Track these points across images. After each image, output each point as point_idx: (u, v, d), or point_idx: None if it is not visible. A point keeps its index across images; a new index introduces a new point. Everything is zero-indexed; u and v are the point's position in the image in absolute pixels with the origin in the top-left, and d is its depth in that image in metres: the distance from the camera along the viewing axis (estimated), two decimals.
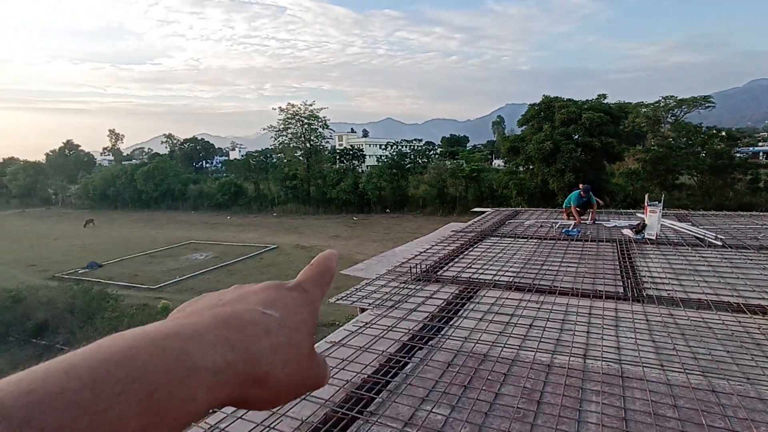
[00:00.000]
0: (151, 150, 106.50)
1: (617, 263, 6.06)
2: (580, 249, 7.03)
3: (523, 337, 3.70)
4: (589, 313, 4.21)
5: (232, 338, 0.32)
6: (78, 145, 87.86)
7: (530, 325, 3.95)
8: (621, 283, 5.14)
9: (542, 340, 3.63)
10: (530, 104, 33.91)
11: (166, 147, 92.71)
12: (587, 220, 9.78)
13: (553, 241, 7.70)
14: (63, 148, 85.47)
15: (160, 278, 25.66)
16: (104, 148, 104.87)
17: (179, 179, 60.42)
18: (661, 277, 5.32)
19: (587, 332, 3.76)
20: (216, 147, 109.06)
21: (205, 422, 2.66)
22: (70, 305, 19.03)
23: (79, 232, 43.90)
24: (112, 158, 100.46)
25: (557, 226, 9.20)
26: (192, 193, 58.87)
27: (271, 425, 2.58)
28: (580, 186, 9.94)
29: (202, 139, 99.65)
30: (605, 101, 33.65)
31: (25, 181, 71.09)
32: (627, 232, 8.01)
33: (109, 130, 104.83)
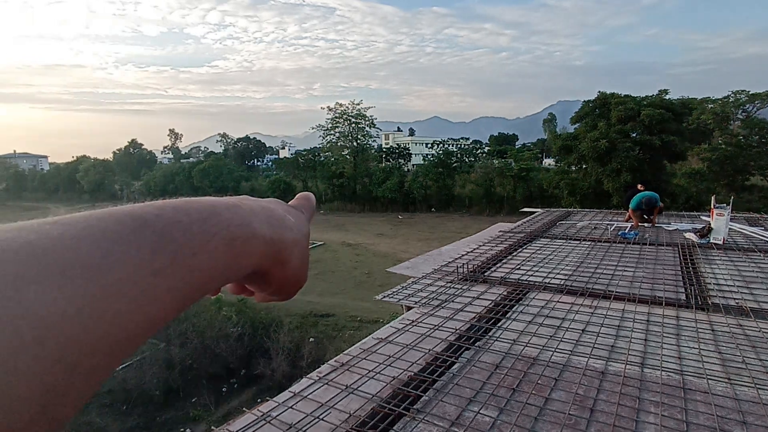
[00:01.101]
0: (207, 148, 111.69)
1: (679, 269, 5.72)
2: (638, 253, 6.69)
3: (575, 342, 3.58)
4: (647, 320, 4.00)
5: (273, 224, 0.41)
6: (141, 144, 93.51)
7: (583, 330, 3.81)
8: (683, 290, 4.85)
9: (596, 346, 3.49)
10: (584, 101, 32.51)
11: (220, 146, 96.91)
12: (646, 223, 9.29)
13: (608, 244, 7.38)
14: (128, 146, 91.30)
15: None
16: (164, 147, 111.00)
17: (232, 177, 62.99)
18: (728, 285, 4.98)
19: (645, 340, 3.59)
20: (267, 146, 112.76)
21: (258, 409, 2.77)
22: None
23: None
24: (172, 156, 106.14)
25: (612, 228, 8.80)
26: (244, 190, 61.19)
27: (320, 416, 2.65)
28: (639, 187, 9.40)
29: (254, 138, 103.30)
30: (667, 97, 31.63)
31: (95, 178, 76.61)
32: (690, 236, 7.54)
33: (169, 130, 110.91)
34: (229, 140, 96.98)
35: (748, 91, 44.52)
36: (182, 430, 12.77)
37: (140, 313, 0.25)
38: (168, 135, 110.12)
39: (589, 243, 7.51)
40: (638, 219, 9.05)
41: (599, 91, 31.59)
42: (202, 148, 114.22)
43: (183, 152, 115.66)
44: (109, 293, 0.23)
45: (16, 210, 64.96)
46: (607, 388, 2.85)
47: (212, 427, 2.49)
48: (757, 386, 2.80)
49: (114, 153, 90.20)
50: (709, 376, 2.95)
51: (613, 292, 4.76)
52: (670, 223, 9.29)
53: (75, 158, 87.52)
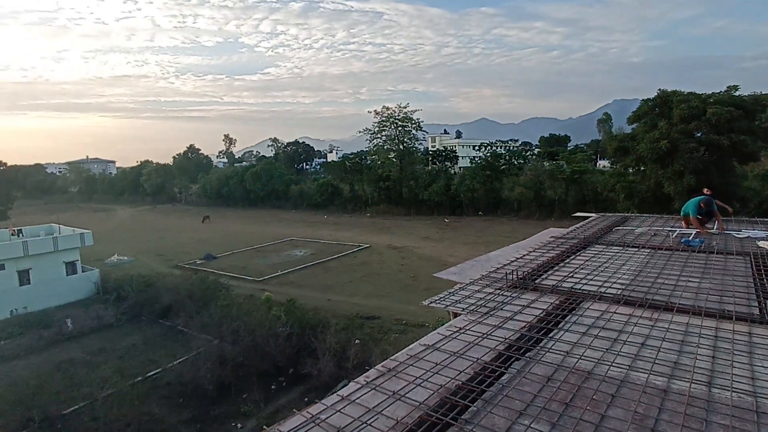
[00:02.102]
0: (259, 153, 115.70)
1: (751, 280, 5.30)
2: (704, 262, 6.25)
3: (633, 356, 3.40)
4: (715, 336, 3.73)
5: None
6: (198, 149, 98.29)
7: (642, 344, 3.61)
8: (756, 304, 4.48)
9: (656, 361, 3.30)
10: (643, 99, 30.79)
11: (271, 150, 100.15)
12: (713, 228, 8.68)
13: (670, 252, 6.95)
14: (186, 151, 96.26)
15: (264, 271, 27.78)
16: (219, 151, 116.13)
17: (282, 180, 64.86)
18: None
19: (713, 357, 3.35)
20: (315, 149, 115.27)
21: (307, 411, 2.83)
22: (189, 292, 21.40)
23: (197, 226, 49.16)
24: (226, 160, 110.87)
25: (675, 234, 8.28)
26: (293, 192, 62.88)
27: (368, 421, 2.67)
28: (705, 191, 8.85)
29: (303, 142, 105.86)
30: (736, 93, 29.32)
31: (156, 181, 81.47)
32: (764, 244, 6.96)
33: (224, 135, 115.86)
34: (279, 144, 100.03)
35: None
36: (233, 424, 13.27)
37: None
38: (223, 140, 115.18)
39: (648, 250, 7.11)
40: (699, 224, 8.49)
41: (659, 89, 29.79)
42: (254, 153, 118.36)
43: (236, 156, 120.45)
44: None
45: (88, 211, 70.20)
46: (670, 408, 2.68)
47: (264, 427, 2.58)
48: None
49: (174, 158, 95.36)
50: None
51: (675, 304, 4.48)
52: (740, 230, 8.62)
53: (139, 163, 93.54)
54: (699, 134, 27.15)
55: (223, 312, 18.20)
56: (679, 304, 4.47)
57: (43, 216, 48.80)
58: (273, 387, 15.07)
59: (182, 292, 21.56)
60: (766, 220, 10.25)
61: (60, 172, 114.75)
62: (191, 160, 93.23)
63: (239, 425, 13.17)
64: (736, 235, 8.16)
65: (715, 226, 8.76)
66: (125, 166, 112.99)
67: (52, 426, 13.15)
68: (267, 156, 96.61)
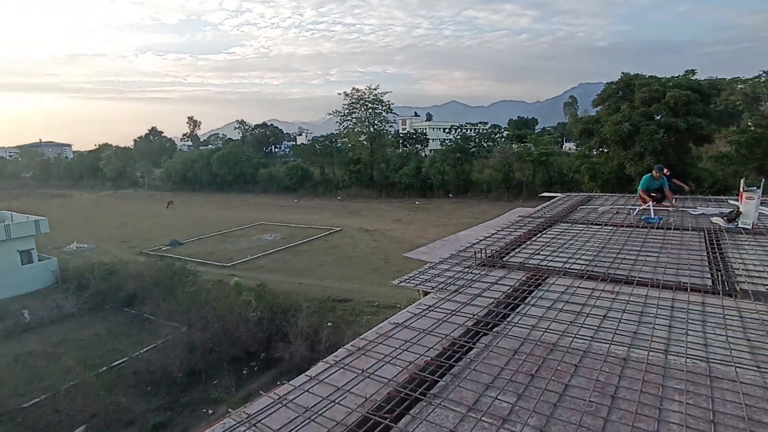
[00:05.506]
0: (225, 135, 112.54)
1: (705, 254, 5.54)
2: (662, 238, 6.50)
3: (596, 328, 3.50)
4: (672, 306, 3.89)
5: None
6: (161, 132, 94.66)
7: (604, 316, 3.73)
8: (709, 276, 4.70)
9: (617, 332, 3.41)
10: (607, 83, 31.53)
11: (238, 132, 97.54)
12: (668, 207, 9.03)
13: (631, 229, 7.20)
14: (148, 134, 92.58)
15: (233, 256, 27.29)
16: (184, 134, 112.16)
17: (251, 163, 63.40)
18: (758, 271, 4.80)
19: (669, 326, 3.49)
20: (284, 132, 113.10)
21: (275, 392, 2.79)
22: (155, 279, 20.83)
23: (162, 212, 47.65)
24: (191, 143, 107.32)
25: (635, 212, 8.57)
26: (262, 176, 61.63)
27: (336, 400, 2.65)
28: (655, 172, 9.22)
29: (272, 124, 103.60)
30: (694, 77, 30.41)
31: (116, 165, 78.03)
32: (717, 220, 7.29)
33: (188, 117, 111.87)
34: (246, 127, 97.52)
35: None
36: (204, 410, 13.13)
37: None
38: (187, 122, 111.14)
39: (610, 228, 7.34)
40: (647, 200, 8.89)
41: (623, 73, 30.59)
42: (221, 135, 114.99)
43: (202, 139, 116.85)
44: None
45: (43, 197, 66.85)
46: (630, 375, 2.78)
47: (229, 410, 2.52)
48: None
49: (135, 141, 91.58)
50: (737, 364, 2.85)
51: (635, 277, 4.64)
52: (695, 208, 9.00)
53: (97, 146, 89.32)
54: (659, 117, 28.11)
55: (191, 298, 17.84)
56: (639, 277, 4.64)
57: None
58: (244, 372, 14.96)
59: (148, 279, 20.96)
60: (719, 198, 10.75)
61: (10, 156, 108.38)
62: (154, 144, 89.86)
63: (210, 411, 13.05)
64: (692, 212, 8.53)
65: (671, 204, 9.12)
66: (83, 150, 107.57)
67: (12, 420, 12.65)
68: (234, 139, 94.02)
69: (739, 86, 44.11)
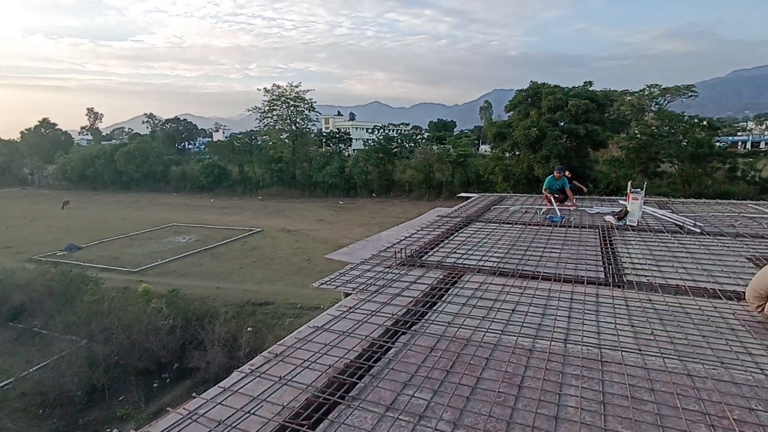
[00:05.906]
0: (132, 130, 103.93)
1: (599, 249, 6.14)
2: (564, 235, 7.09)
3: (505, 322, 3.73)
4: (571, 299, 4.25)
5: None
6: (55, 124, 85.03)
7: (513, 311, 3.98)
8: (602, 269, 5.21)
9: (524, 324, 3.66)
10: (518, 90, 33.82)
11: (147, 127, 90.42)
12: (570, 206, 9.88)
13: (537, 227, 7.76)
14: (39, 126, 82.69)
15: (141, 261, 25.26)
16: (82, 128, 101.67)
17: (161, 160, 59.06)
18: (641, 263, 5.41)
19: (568, 317, 3.81)
20: (199, 128, 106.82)
21: (184, 408, 2.62)
22: (48, 288, 18.62)
23: (56, 213, 42.83)
24: (91, 138, 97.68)
25: (542, 212, 9.27)
26: (174, 174, 57.65)
27: (252, 411, 2.55)
28: (556, 174, 10.09)
29: (185, 119, 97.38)
30: (591, 88, 33.71)
31: None
32: (609, 218, 8.11)
33: (88, 109, 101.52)
34: (156, 121, 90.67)
35: (661, 86, 48.72)
36: (108, 430, 12.00)
37: None
38: (86, 114, 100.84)
39: (520, 226, 7.86)
40: (551, 201, 9.72)
41: (532, 81, 33.00)
42: (126, 130, 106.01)
43: (104, 134, 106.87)
44: None
45: None
46: (534, 365, 2.99)
47: (132, 430, 2.32)
48: (663, 356, 3.07)
49: (22, 133, 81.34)
50: (623, 349, 3.19)
51: (540, 273, 5.01)
52: (592, 207, 9.95)
53: None
54: (563, 123, 30.69)
55: (91, 308, 16.18)
56: (544, 272, 5.02)
57: None
58: (155, 385, 13.92)
59: (39, 288, 18.66)
60: (612, 198, 11.98)
61: None
62: (45, 137, 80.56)
63: (115, 430, 11.96)
64: (589, 211, 9.41)
65: (571, 204, 10.00)
66: None
67: None
68: (142, 134, 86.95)
69: (628, 98, 49.74)
